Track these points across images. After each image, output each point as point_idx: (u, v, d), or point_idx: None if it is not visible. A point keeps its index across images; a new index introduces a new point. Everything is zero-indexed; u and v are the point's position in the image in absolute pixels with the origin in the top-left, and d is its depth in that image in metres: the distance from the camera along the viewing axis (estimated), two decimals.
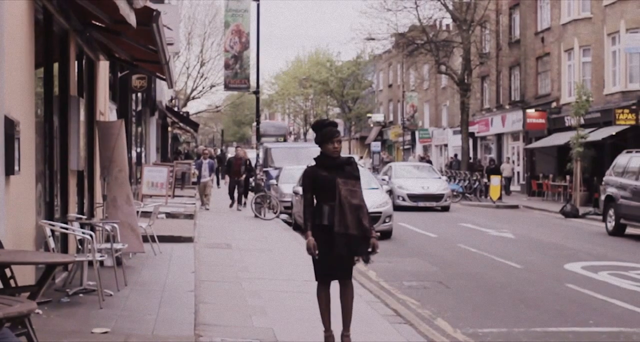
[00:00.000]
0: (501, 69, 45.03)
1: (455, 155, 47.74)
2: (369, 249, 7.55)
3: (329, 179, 7.45)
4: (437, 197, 29.16)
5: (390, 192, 26.46)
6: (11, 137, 7.50)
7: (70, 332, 7.67)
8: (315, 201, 7.63)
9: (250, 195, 26.93)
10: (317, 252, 7.44)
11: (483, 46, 46.24)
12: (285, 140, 56.27)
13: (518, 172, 42.86)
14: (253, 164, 28.90)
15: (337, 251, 7.45)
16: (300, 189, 21.73)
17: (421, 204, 28.76)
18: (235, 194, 26.80)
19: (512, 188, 40.71)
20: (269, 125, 62.43)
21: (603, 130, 31.09)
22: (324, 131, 7.59)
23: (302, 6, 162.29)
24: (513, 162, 43.09)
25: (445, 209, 29.08)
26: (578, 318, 10.19)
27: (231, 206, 26.64)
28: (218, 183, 38.98)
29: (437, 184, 29.92)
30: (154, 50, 11.55)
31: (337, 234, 7.36)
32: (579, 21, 35.27)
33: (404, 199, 28.75)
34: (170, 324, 8.31)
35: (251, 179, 28.50)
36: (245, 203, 26.76)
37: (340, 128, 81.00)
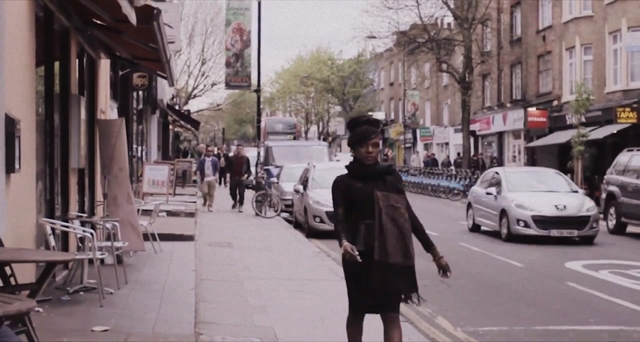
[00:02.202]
0: (502, 68, 45.02)
1: (459, 153, 47.70)
2: (414, 285, 6.04)
3: (365, 192, 5.91)
4: (580, 222, 18.57)
5: (502, 213, 19.15)
6: (12, 135, 7.50)
7: (71, 331, 7.67)
8: (348, 218, 6.05)
9: (250, 193, 26.77)
10: (357, 254, 5.74)
11: (484, 44, 46.21)
12: (295, 139, 52.12)
13: None
14: (253, 163, 28.81)
15: (371, 285, 5.86)
16: (300, 187, 22.00)
17: (555, 232, 18.36)
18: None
19: None
20: (276, 121, 58.70)
21: (604, 129, 31.07)
22: (358, 131, 6.04)
23: (302, 6, 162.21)
24: (515, 159, 42.95)
25: (589, 240, 18.70)
26: (579, 317, 10.19)
27: (234, 206, 25.59)
28: (222, 182, 38.32)
29: (576, 201, 19.21)
30: (154, 49, 11.54)
31: (376, 264, 5.81)
32: (580, 19, 35.25)
33: (526, 225, 18.50)
34: (170, 323, 8.31)
35: (251, 177, 28.33)
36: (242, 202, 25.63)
37: (342, 126, 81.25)
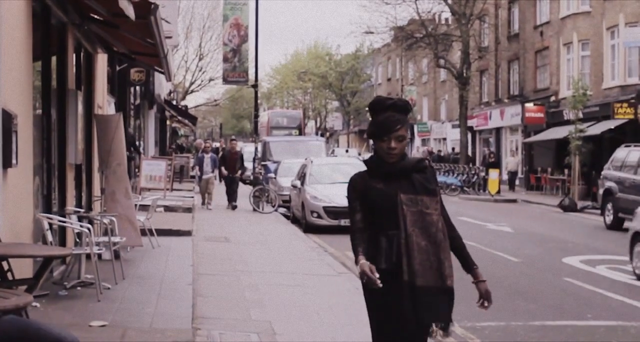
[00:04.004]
0: (500, 63, 45.01)
1: (453, 149, 47.67)
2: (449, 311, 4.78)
3: (386, 195, 4.63)
4: None
5: None
6: (9, 130, 7.48)
7: (68, 326, 7.64)
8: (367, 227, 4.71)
9: (247, 189, 26.62)
10: (378, 278, 4.39)
11: (482, 40, 46.23)
12: (300, 133, 48.61)
13: (518, 164, 42.79)
14: (250, 158, 28.66)
15: (402, 316, 4.54)
16: (298, 183, 21.98)
17: None
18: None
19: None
20: (279, 115, 54.22)
21: (601, 124, 31.09)
22: (378, 120, 4.70)
23: (302, 5, 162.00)
24: (514, 154, 42.78)
25: None
26: (576, 312, 10.21)
27: (229, 205, 24.38)
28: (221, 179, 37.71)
29: None
30: (152, 44, 11.52)
31: (405, 286, 4.53)
32: (578, 15, 35.25)
33: None
34: (168, 317, 8.31)
35: (247, 173, 28.13)
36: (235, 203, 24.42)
37: (339, 121, 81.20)
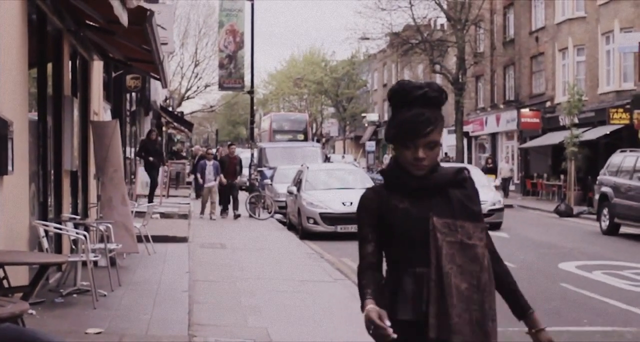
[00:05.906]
0: (495, 69, 45.09)
1: (446, 154, 47.70)
2: None
3: (414, 219, 3.36)
4: None
5: None
6: (4, 137, 7.48)
7: (64, 333, 7.65)
8: (385, 262, 3.50)
9: (244, 195, 26.57)
10: (390, 327, 3.13)
11: (477, 46, 46.29)
12: (305, 139, 43.97)
13: (511, 170, 42.78)
14: (246, 164, 28.60)
15: None
16: (294, 189, 21.97)
17: None
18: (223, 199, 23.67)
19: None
20: (283, 118, 49.64)
21: (597, 130, 31.16)
22: (402, 119, 3.36)
23: (301, 6, 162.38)
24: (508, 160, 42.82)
25: None
26: (572, 317, 10.20)
27: (223, 212, 23.61)
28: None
29: None
30: (148, 50, 11.53)
31: None
32: (573, 20, 35.34)
33: None
34: (164, 324, 8.30)
35: (244, 178, 28.11)
36: (229, 210, 23.82)
37: (335, 127, 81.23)
